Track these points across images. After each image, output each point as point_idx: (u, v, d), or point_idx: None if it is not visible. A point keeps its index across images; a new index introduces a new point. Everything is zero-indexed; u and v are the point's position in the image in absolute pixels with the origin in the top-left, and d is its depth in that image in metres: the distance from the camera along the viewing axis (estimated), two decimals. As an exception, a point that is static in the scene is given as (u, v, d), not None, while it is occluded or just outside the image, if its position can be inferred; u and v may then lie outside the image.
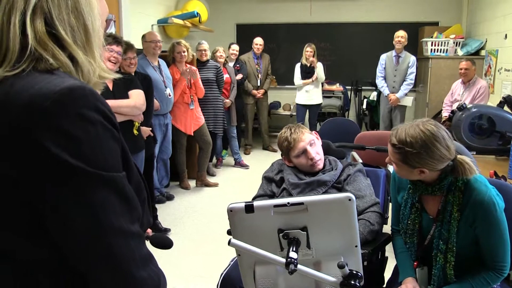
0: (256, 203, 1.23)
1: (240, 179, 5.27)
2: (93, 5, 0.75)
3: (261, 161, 5.77)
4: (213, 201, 4.49)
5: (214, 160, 5.80)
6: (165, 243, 1.07)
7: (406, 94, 5.64)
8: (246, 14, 7.63)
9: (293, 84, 6.18)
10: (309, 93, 6.05)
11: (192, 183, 4.96)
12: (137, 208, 0.71)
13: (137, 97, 3.13)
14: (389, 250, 1.95)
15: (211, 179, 5.08)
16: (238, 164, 5.80)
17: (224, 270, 1.88)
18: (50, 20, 0.68)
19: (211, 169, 5.44)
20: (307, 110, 6.20)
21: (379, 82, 5.78)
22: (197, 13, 5.74)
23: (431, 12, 6.99)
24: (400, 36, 5.54)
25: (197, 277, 2.91)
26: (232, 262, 1.92)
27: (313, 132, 2.11)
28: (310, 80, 5.98)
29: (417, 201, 1.64)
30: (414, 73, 5.62)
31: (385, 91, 5.70)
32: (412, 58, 5.60)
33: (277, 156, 2.31)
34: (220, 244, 3.16)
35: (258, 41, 6.21)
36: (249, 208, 1.23)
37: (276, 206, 1.22)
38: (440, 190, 1.55)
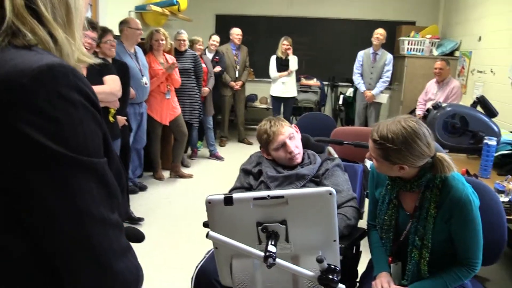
0: (235, 195, 1.22)
1: (215, 171, 5.23)
2: None
3: (236, 154, 5.74)
4: (187, 192, 4.44)
5: (189, 151, 5.75)
6: (137, 236, 1.05)
7: (381, 91, 5.71)
8: (226, 5, 7.56)
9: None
10: (285, 85, 6.06)
11: (166, 174, 4.89)
12: (117, 196, 0.68)
13: (112, 82, 3.05)
14: (363, 244, 1.96)
15: (185, 170, 5.02)
16: (213, 156, 5.75)
17: (200, 263, 1.85)
18: None
19: (186, 160, 5.38)
20: (282, 104, 6.21)
21: (356, 78, 5.84)
22: (176, 1, 5.63)
23: (408, 12, 7.10)
24: (379, 33, 5.60)
25: (171, 268, 2.87)
26: (207, 255, 1.90)
27: (293, 125, 2.10)
28: (286, 72, 6.00)
29: (395, 197, 1.65)
30: (391, 71, 5.70)
31: (362, 87, 5.76)
32: (389, 56, 5.68)
33: (253, 148, 2.28)
34: (195, 236, 3.13)
35: (238, 32, 6.16)
36: (228, 200, 1.22)
37: (256, 198, 1.20)
38: (418, 187, 1.56)
